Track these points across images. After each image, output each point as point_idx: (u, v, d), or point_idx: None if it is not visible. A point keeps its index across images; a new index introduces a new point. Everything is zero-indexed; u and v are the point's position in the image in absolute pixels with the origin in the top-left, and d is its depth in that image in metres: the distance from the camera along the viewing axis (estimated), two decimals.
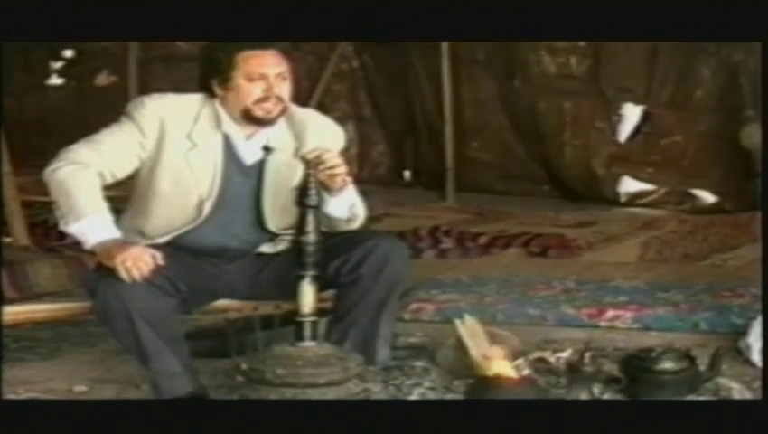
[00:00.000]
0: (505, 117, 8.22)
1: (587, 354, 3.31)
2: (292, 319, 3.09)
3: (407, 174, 8.79)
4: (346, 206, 3.39)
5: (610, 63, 7.76)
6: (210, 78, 3.38)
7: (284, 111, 3.38)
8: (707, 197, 7.58)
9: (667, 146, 7.76)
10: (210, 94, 3.39)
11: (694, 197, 7.63)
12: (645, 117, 7.83)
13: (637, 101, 7.82)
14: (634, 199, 7.77)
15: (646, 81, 7.72)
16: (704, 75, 7.58)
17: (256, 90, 3.32)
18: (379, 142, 8.87)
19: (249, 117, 3.35)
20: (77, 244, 3.33)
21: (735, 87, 7.40)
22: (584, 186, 7.87)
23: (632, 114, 7.88)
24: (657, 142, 7.79)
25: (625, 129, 7.89)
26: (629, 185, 7.85)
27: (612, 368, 3.33)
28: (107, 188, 3.29)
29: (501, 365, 3.20)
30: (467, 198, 7.91)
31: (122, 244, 3.17)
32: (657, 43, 7.39)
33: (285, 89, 3.36)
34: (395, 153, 8.84)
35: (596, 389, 3.16)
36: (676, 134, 7.72)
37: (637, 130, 7.86)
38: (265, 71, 3.32)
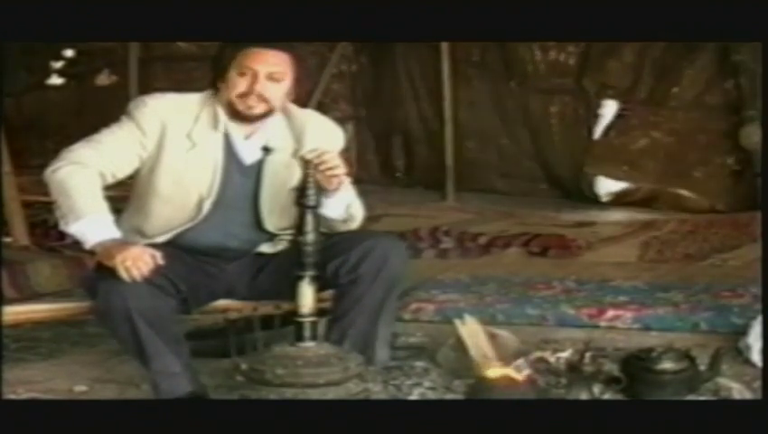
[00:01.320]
0: (502, 117, 8.24)
1: (587, 354, 3.31)
2: (292, 319, 3.09)
3: (398, 173, 8.81)
4: (342, 207, 3.38)
5: (597, 61, 7.77)
6: (214, 73, 3.39)
7: (269, 112, 3.37)
8: (691, 196, 7.57)
9: (647, 143, 7.75)
10: (215, 91, 3.40)
11: (676, 196, 7.61)
12: (626, 115, 7.82)
13: (619, 98, 7.82)
14: (619, 198, 7.75)
15: (630, 78, 7.73)
16: (687, 72, 7.59)
17: (241, 84, 3.32)
18: (378, 142, 8.88)
19: (232, 111, 3.35)
20: (77, 244, 3.33)
21: (723, 85, 7.41)
22: (574, 186, 7.88)
23: (611, 111, 7.87)
24: (637, 139, 7.79)
25: (606, 127, 7.89)
26: (609, 185, 7.84)
27: (612, 368, 3.33)
28: (107, 188, 3.29)
29: (499, 369, 3.20)
30: (467, 198, 7.91)
31: (122, 244, 3.17)
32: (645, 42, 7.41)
33: (273, 90, 3.34)
34: (387, 153, 8.86)
35: (596, 389, 3.16)
36: (657, 131, 7.72)
37: (618, 128, 7.85)
38: (255, 67, 3.31)
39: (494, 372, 3.16)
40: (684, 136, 7.59)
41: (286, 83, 3.37)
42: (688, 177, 7.53)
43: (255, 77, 3.32)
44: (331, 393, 2.93)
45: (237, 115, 3.36)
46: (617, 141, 7.80)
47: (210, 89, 3.42)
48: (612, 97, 7.81)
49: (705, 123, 7.52)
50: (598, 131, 7.86)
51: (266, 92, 3.33)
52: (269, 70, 3.33)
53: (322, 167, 3.17)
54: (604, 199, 7.75)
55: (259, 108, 3.34)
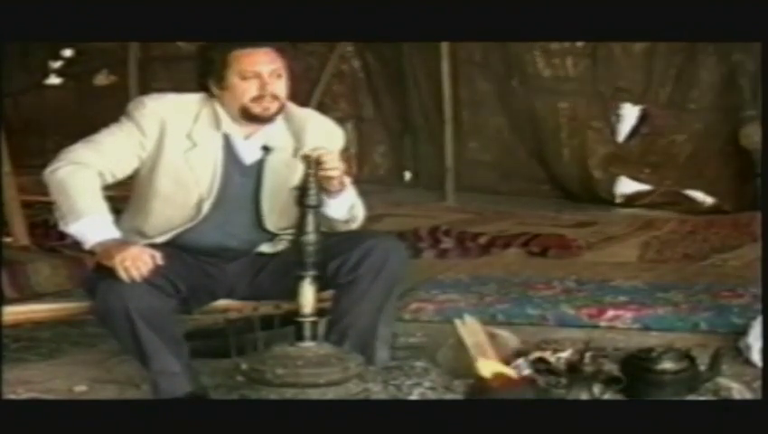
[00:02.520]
0: (504, 118, 8.23)
1: (587, 354, 3.31)
2: (292, 319, 3.08)
3: (407, 174, 8.80)
4: (345, 208, 3.39)
5: (607, 64, 7.76)
6: (205, 78, 3.39)
7: (282, 108, 3.38)
8: (705, 198, 7.58)
9: (664, 146, 7.76)
10: (209, 94, 3.40)
11: (691, 198, 7.62)
12: (643, 118, 7.83)
13: (634, 101, 7.82)
14: (631, 200, 7.77)
15: (643, 82, 7.72)
16: (701, 75, 7.58)
17: (251, 89, 3.32)
18: (380, 142, 8.87)
19: (248, 116, 3.35)
20: (77, 244, 3.33)
21: (734, 87, 7.40)
22: (581, 187, 7.87)
23: (629, 114, 7.88)
24: (654, 142, 7.79)
25: (623, 130, 7.89)
26: (625, 186, 7.84)
27: (612, 368, 3.33)
28: (107, 188, 3.29)
29: (496, 367, 3.19)
30: (467, 198, 7.91)
31: (121, 244, 3.17)
32: (654, 43, 7.40)
33: (280, 87, 3.36)
34: (395, 153, 8.84)
35: (596, 389, 3.16)
36: (673, 134, 7.72)
37: (635, 131, 7.86)
38: (258, 69, 3.32)
39: (486, 365, 3.16)
40: (704, 138, 7.59)
41: (285, 77, 3.37)
42: (706, 179, 7.53)
43: (261, 78, 3.32)
44: (331, 393, 2.93)
45: (253, 118, 3.36)
46: (640, 143, 7.80)
47: (202, 92, 3.42)
48: (626, 100, 7.81)
49: (724, 125, 7.51)
50: (621, 133, 7.86)
51: (277, 90, 3.34)
52: (271, 68, 3.33)
53: (320, 167, 3.17)
54: (619, 200, 7.75)
55: (274, 107, 3.35)
